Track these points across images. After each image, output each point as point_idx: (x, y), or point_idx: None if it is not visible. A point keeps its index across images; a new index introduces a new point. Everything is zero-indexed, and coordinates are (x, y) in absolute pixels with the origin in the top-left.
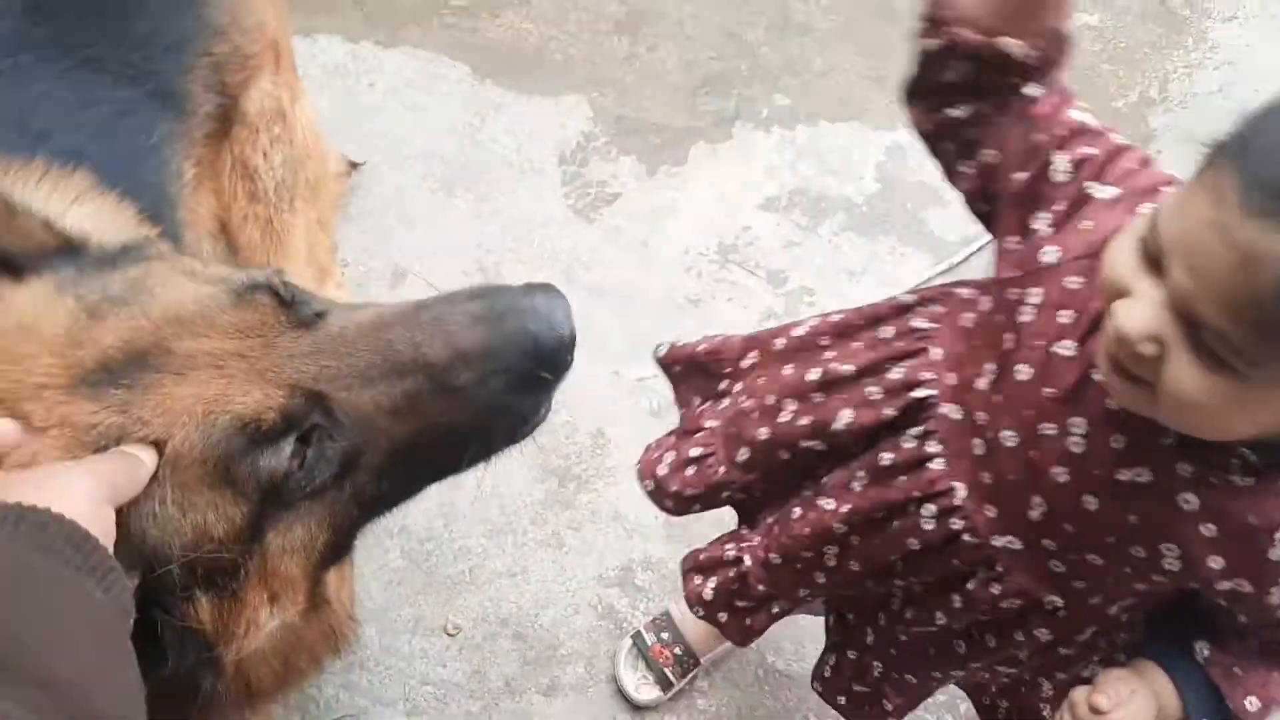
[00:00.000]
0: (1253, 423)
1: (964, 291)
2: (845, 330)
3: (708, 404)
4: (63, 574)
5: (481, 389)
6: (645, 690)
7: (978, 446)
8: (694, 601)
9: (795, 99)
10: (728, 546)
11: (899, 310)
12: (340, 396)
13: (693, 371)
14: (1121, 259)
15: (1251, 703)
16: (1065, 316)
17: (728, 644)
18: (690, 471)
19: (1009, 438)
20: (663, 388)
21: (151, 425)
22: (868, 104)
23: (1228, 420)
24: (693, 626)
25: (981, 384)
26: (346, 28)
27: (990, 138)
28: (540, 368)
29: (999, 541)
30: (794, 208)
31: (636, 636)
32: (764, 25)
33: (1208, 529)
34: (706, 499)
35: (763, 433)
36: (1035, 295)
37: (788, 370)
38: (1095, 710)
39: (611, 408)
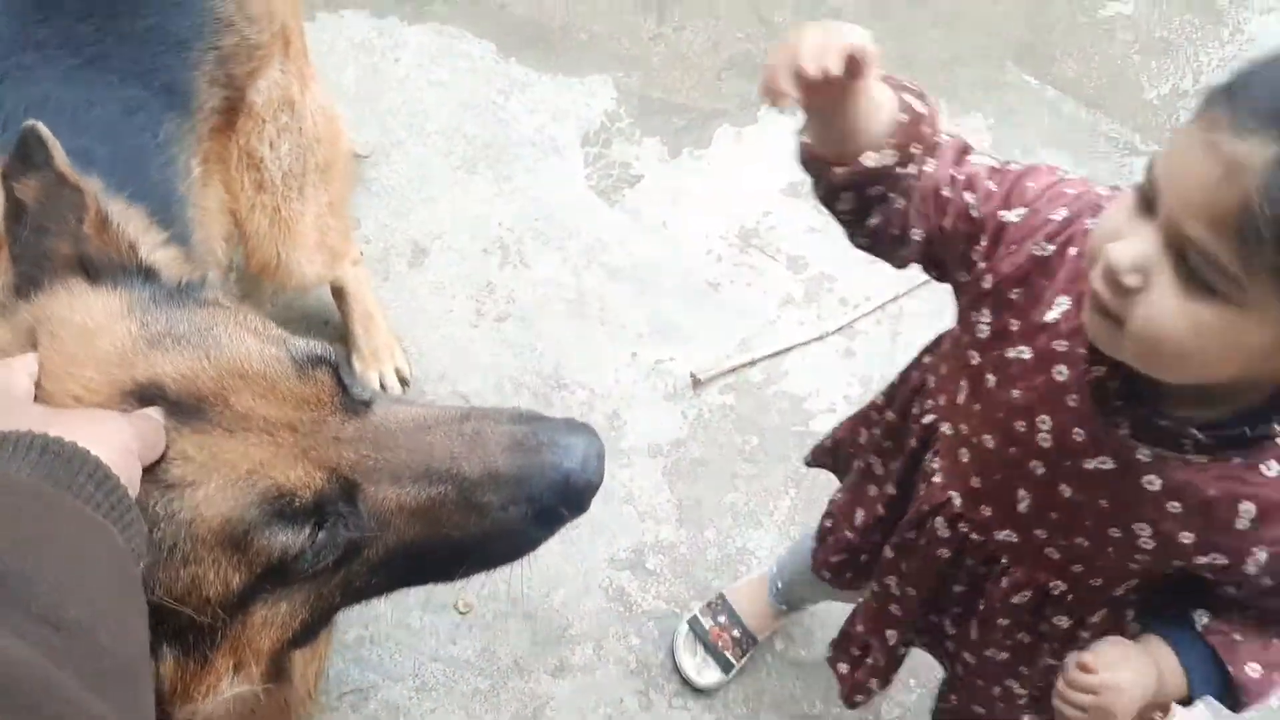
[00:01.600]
0: (1231, 358)
1: (951, 323)
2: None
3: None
4: (84, 512)
5: (503, 512)
6: (706, 673)
7: (964, 455)
8: (831, 653)
9: None
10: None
11: (918, 358)
12: (369, 489)
13: (835, 459)
14: (1116, 210)
15: (1253, 669)
16: (1014, 325)
17: (783, 620)
18: (829, 540)
19: (989, 441)
20: (679, 370)
21: (192, 463)
22: None
23: (1204, 356)
24: (748, 606)
25: (961, 399)
26: (373, 3)
27: (914, 219)
28: (562, 505)
29: (999, 536)
30: None
31: (693, 621)
32: (792, 6)
33: (1173, 506)
34: (853, 564)
35: (869, 491)
36: (985, 315)
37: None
38: (1083, 669)
39: (628, 390)
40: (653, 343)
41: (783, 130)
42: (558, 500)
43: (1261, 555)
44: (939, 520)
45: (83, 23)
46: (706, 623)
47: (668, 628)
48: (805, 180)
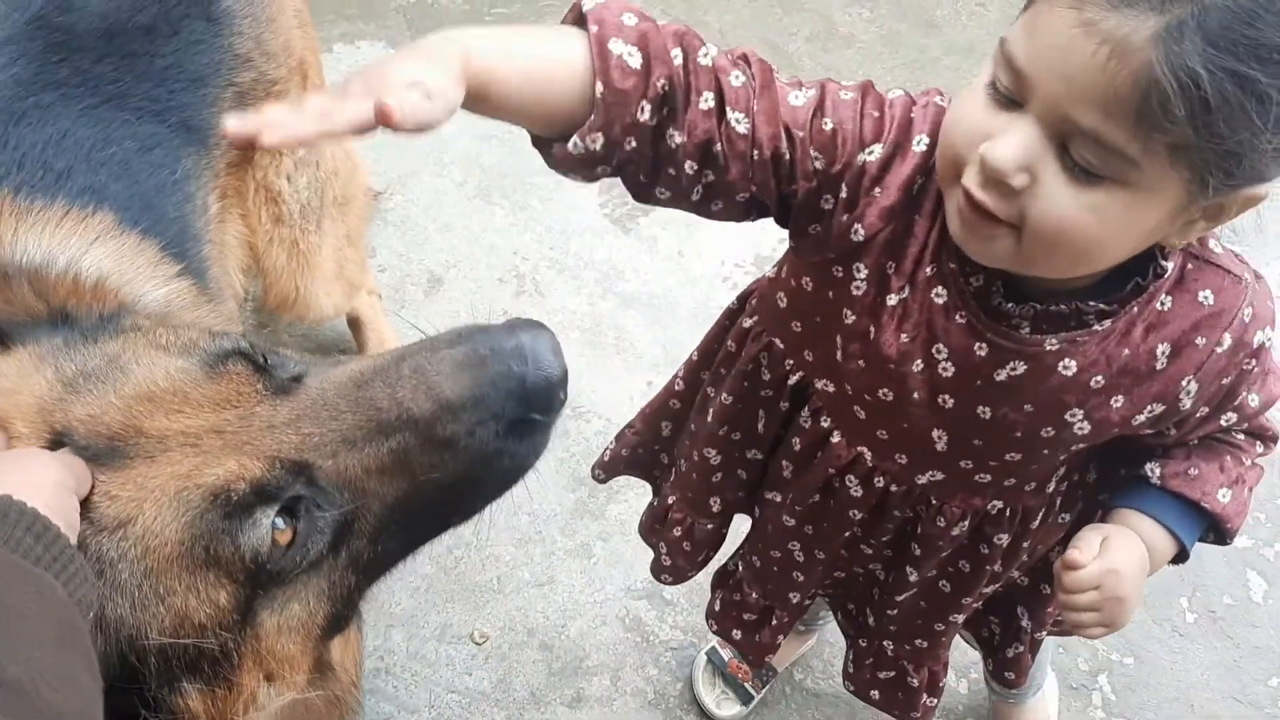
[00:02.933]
0: (1129, 240)
1: (773, 274)
2: (706, 366)
3: (665, 483)
4: (20, 565)
5: (471, 439)
6: (726, 706)
7: (860, 412)
8: (709, 616)
9: None
10: (730, 561)
11: (731, 319)
12: (325, 465)
13: (634, 466)
14: (968, 111)
15: (1223, 494)
16: (890, 267)
17: (804, 649)
18: (687, 546)
19: (886, 394)
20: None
21: (119, 500)
22: None
23: (1102, 243)
24: None
25: (839, 357)
26: (389, 34)
27: (728, 185)
28: (531, 410)
29: (922, 479)
30: None
31: (712, 653)
32: (805, 36)
33: (1096, 381)
34: (705, 558)
35: (715, 479)
36: (860, 270)
37: (693, 427)
38: (1071, 566)
39: None
40: (668, 371)
41: None
42: (522, 408)
43: (1191, 385)
44: (849, 479)
45: (101, 63)
46: (726, 654)
47: (685, 658)
48: None
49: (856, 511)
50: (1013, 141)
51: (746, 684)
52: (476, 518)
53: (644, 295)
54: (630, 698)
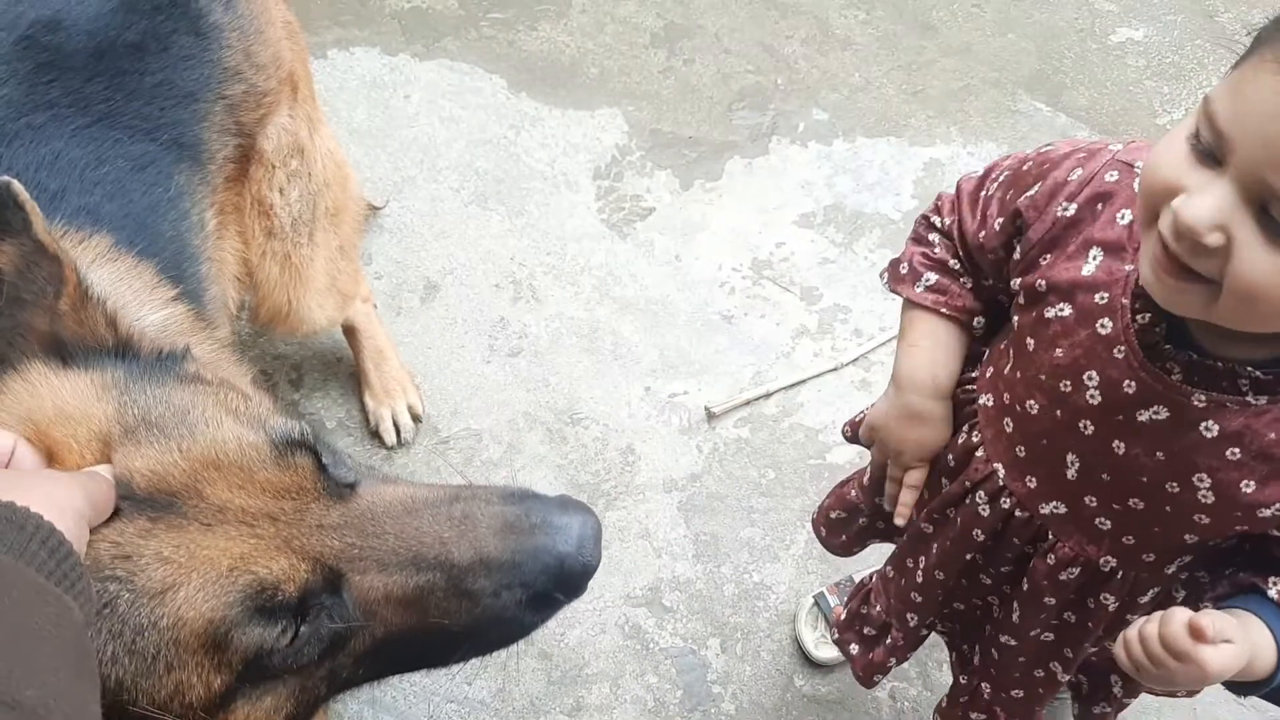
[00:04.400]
0: None
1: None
2: None
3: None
4: (39, 582)
5: (494, 599)
6: (824, 649)
7: (1008, 424)
8: (834, 623)
9: (833, 113)
10: (865, 572)
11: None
12: (355, 579)
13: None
14: (1168, 160)
15: None
16: (1041, 285)
17: None
18: (834, 495)
19: (1033, 406)
20: (693, 404)
21: (170, 565)
22: (906, 119)
23: None
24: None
25: (1006, 369)
26: (384, 41)
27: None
28: (558, 589)
29: (1045, 509)
30: (829, 224)
31: (820, 597)
32: (801, 39)
33: (1232, 453)
34: (848, 523)
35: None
36: (1019, 283)
37: None
38: (1196, 634)
39: (642, 424)
40: (666, 376)
41: (794, 162)
42: (552, 585)
43: None
44: (980, 495)
45: (91, 82)
46: (833, 601)
47: (685, 665)
48: (818, 211)
49: (979, 532)
50: (1208, 202)
51: None
52: (454, 666)
53: (641, 300)
54: (630, 705)
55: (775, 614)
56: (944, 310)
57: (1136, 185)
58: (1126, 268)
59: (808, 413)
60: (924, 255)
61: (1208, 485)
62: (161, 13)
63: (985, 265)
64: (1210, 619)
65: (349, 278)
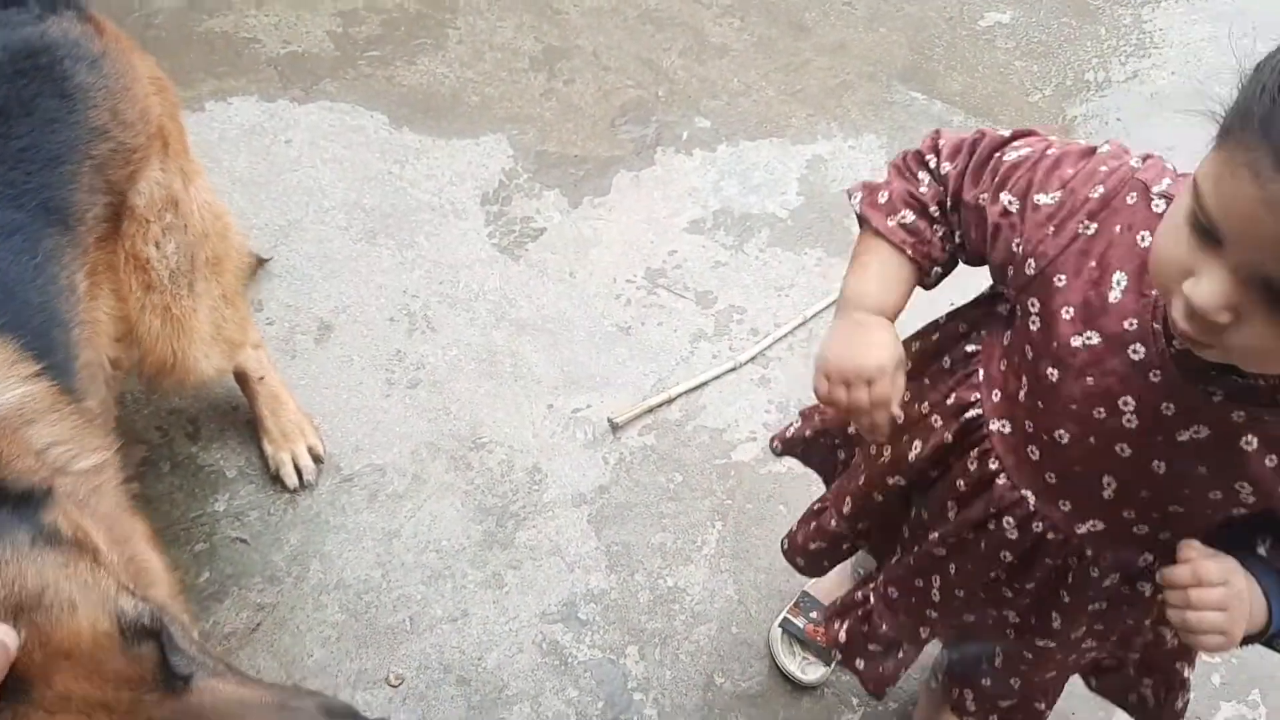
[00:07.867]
0: None
1: (1001, 309)
2: (915, 370)
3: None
4: None
5: None
6: (811, 670)
7: (1034, 453)
8: (833, 645)
9: (715, 120)
10: (858, 590)
11: (956, 339)
12: None
13: (810, 450)
14: (1170, 243)
15: None
16: (1067, 313)
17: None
18: (812, 526)
19: (1063, 435)
20: (597, 417)
21: None
22: (787, 119)
23: None
24: (836, 591)
25: (1021, 396)
26: (261, 88)
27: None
28: None
29: (1082, 529)
30: (719, 227)
31: (785, 623)
32: (679, 50)
33: (1271, 460)
34: (830, 553)
35: (860, 480)
36: (1034, 305)
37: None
38: (1202, 580)
39: (547, 442)
40: (568, 392)
41: (680, 170)
42: None
43: None
44: (1007, 520)
45: None
46: (799, 622)
47: (605, 676)
48: (707, 217)
49: (1008, 554)
50: (1215, 287)
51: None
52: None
53: (538, 320)
54: None
55: (691, 615)
56: (909, 251)
57: (1154, 206)
58: (1154, 292)
59: (710, 414)
60: (908, 193)
61: (1249, 490)
62: (25, 76)
63: (967, 228)
64: (1205, 563)
65: (235, 325)
